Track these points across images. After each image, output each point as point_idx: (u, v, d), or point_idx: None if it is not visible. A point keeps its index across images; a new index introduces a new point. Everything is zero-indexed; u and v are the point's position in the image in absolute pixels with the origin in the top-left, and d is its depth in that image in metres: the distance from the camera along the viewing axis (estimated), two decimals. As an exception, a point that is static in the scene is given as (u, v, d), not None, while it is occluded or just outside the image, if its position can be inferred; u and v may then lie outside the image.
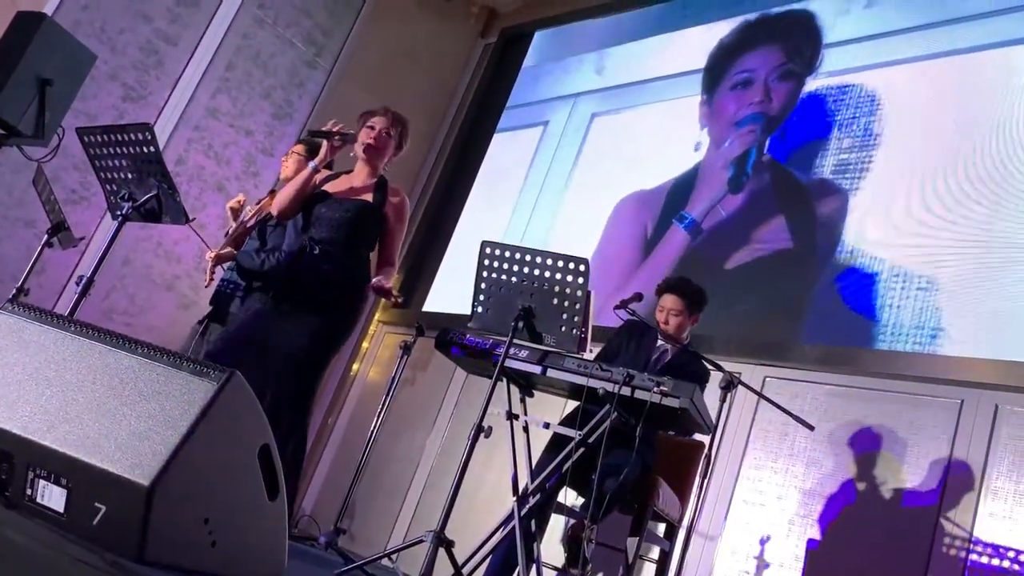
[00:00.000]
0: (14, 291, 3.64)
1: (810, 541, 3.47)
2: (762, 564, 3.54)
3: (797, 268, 4.15)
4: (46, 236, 3.83)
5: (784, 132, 4.53)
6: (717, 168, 4.71)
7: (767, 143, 4.56)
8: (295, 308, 2.97)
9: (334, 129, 3.07)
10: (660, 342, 3.37)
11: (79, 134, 2.98)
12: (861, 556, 3.32)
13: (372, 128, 3.16)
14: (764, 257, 4.28)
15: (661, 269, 4.57)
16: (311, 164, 3.08)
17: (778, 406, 3.09)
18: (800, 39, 4.73)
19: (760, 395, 3.24)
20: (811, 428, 3.10)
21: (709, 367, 3.18)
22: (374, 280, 3.03)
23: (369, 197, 3.13)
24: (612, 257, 4.92)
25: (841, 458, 3.56)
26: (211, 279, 3.87)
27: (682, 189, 4.81)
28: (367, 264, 3.14)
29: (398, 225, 3.19)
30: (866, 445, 3.53)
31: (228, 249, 3.77)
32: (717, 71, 5.05)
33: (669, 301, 3.34)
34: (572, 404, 3.27)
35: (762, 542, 3.58)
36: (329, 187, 3.15)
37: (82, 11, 5.08)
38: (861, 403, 3.62)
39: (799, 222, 4.24)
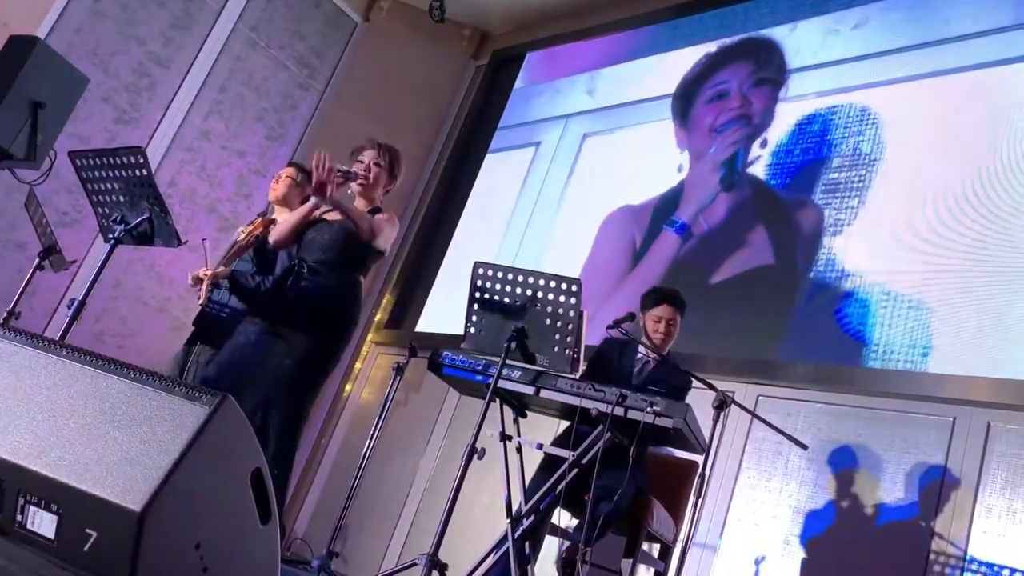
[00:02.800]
0: (5, 314, 3.63)
1: (804, 560, 3.46)
2: (757, 584, 3.53)
3: (782, 284, 4.18)
4: (37, 259, 3.82)
5: (770, 146, 4.58)
6: (705, 173, 4.77)
7: (752, 148, 4.62)
8: (285, 330, 2.96)
9: (336, 167, 3.05)
10: (640, 354, 3.39)
11: (71, 157, 2.99)
12: (859, 572, 3.31)
13: (361, 162, 3.18)
14: (749, 272, 4.32)
15: (652, 276, 4.63)
16: (312, 200, 3.05)
17: (771, 425, 3.09)
18: (765, 54, 4.87)
19: (753, 414, 3.24)
20: (804, 447, 3.10)
21: (700, 384, 3.19)
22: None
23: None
24: (601, 269, 4.96)
25: (835, 477, 3.56)
26: (206, 297, 3.82)
27: (669, 204, 4.88)
28: (358, 287, 3.12)
29: (385, 224, 3.15)
30: (859, 463, 3.53)
31: (223, 268, 3.75)
32: (689, 96, 5.16)
33: (667, 311, 3.39)
34: (565, 424, 3.27)
35: (757, 562, 3.56)
36: (328, 213, 3.16)
37: (75, 34, 5.10)
38: (854, 421, 3.62)
39: (782, 239, 4.28)
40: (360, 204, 3.20)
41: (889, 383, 3.59)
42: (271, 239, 3.18)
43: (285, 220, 3.17)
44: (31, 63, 3.41)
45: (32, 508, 1.63)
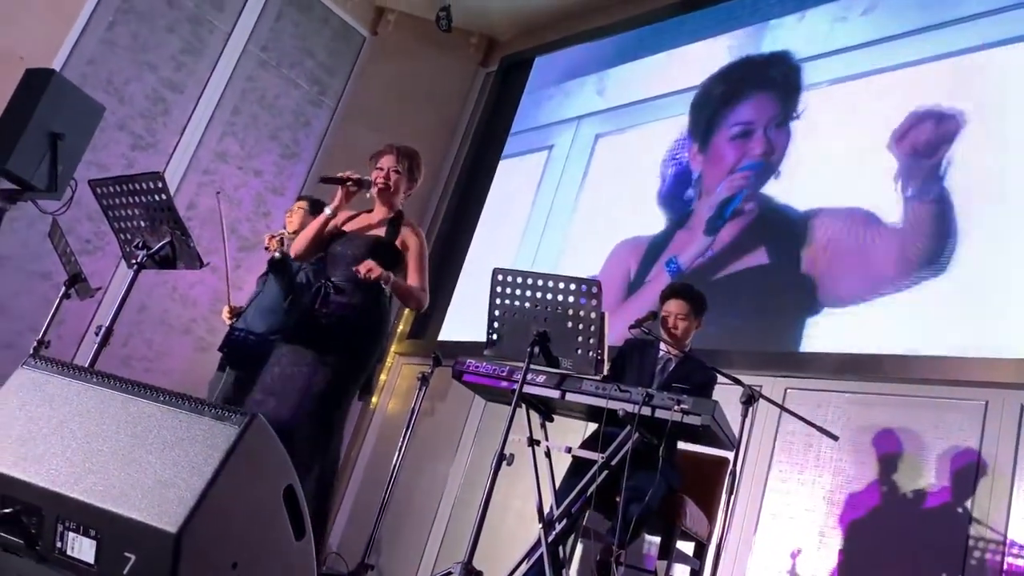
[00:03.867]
0: (35, 344, 3.68)
1: (841, 551, 3.43)
2: (795, 578, 3.50)
3: (777, 284, 4.17)
4: (63, 288, 3.87)
5: (780, 169, 4.51)
6: (706, 213, 4.69)
7: (759, 187, 4.54)
8: (316, 352, 2.99)
9: (347, 175, 3.11)
10: (662, 352, 3.38)
11: (92, 186, 3.02)
12: (895, 564, 3.28)
13: (381, 169, 3.21)
14: (744, 271, 4.31)
15: (644, 310, 4.63)
16: (327, 210, 3.13)
17: (800, 418, 3.07)
18: (785, 85, 4.72)
19: (782, 407, 3.22)
20: (835, 438, 3.08)
21: (727, 380, 3.17)
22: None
23: (382, 232, 3.16)
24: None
25: (868, 466, 3.53)
26: (231, 319, 3.98)
27: (669, 232, 4.83)
28: (385, 302, 3.13)
29: (416, 255, 3.18)
30: (892, 452, 3.49)
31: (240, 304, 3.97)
32: (709, 119, 5.00)
33: (675, 306, 3.38)
34: (593, 426, 3.26)
35: (793, 555, 3.54)
36: (348, 226, 3.20)
37: (88, 64, 5.17)
38: (885, 409, 3.58)
39: (780, 246, 4.26)
40: (381, 209, 3.24)
41: (918, 369, 3.55)
42: (292, 252, 3.23)
43: (303, 234, 3.21)
44: (48, 95, 3.46)
45: (71, 534, 1.65)
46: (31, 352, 3.59)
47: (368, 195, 3.23)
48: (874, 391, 3.64)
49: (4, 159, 3.37)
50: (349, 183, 3.11)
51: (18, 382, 1.93)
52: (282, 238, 3.86)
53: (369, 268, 2.95)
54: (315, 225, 3.15)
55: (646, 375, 3.33)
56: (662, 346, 3.39)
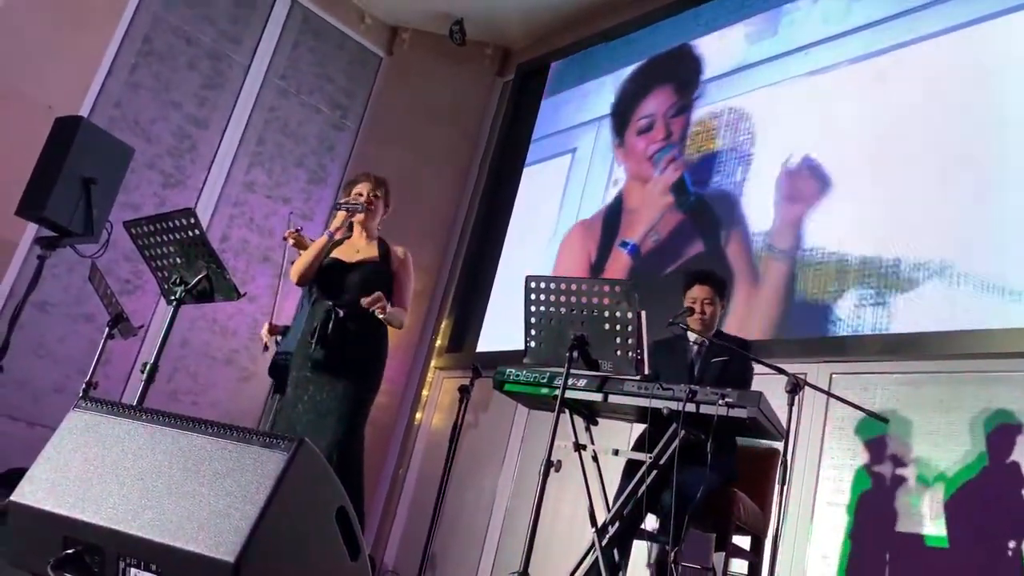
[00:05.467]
0: (84, 385, 3.75)
1: (902, 536, 3.36)
2: (855, 565, 3.44)
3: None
4: (107, 328, 3.95)
5: (704, 158, 4.92)
6: (655, 195, 5.10)
7: (692, 168, 4.97)
8: (330, 372, 3.16)
9: (342, 202, 3.39)
10: (692, 340, 3.35)
11: (126, 227, 3.09)
12: (956, 545, 3.21)
13: (361, 195, 3.42)
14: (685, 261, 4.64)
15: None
16: (326, 232, 3.32)
17: (848, 402, 3.03)
18: (683, 72, 5.33)
19: (829, 394, 3.18)
20: (886, 421, 3.03)
21: (769, 369, 3.13)
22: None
23: (376, 257, 3.36)
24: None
25: (922, 447, 3.46)
26: (266, 346, 4.07)
27: (614, 217, 5.31)
28: (383, 325, 3.31)
29: (404, 275, 3.40)
30: (946, 430, 3.42)
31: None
32: (623, 118, 5.64)
33: (700, 291, 3.37)
34: (640, 427, 3.24)
35: (853, 542, 3.48)
36: (336, 252, 3.37)
37: (115, 108, 5.28)
38: (934, 388, 3.51)
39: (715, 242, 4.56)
40: (361, 235, 3.43)
41: (965, 344, 3.48)
42: (292, 277, 3.37)
43: (302, 259, 3.35)
44: (78, 142, 3.54)
45: (133, 570, 1.68)
46: (81, 394, 3.67)
47: (352, 221, 3.42)
48: (922, 370, 3.57)
49: (41, 207, 3.45)
50: (341, 207, 3.33)
51: (71, 425, 1.97)
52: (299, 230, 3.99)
53: (375, 301, 3.09)
54: (315, 249, 3.30)
55: (683, 366, 3.31)
56: (689, 335, 3.36)
